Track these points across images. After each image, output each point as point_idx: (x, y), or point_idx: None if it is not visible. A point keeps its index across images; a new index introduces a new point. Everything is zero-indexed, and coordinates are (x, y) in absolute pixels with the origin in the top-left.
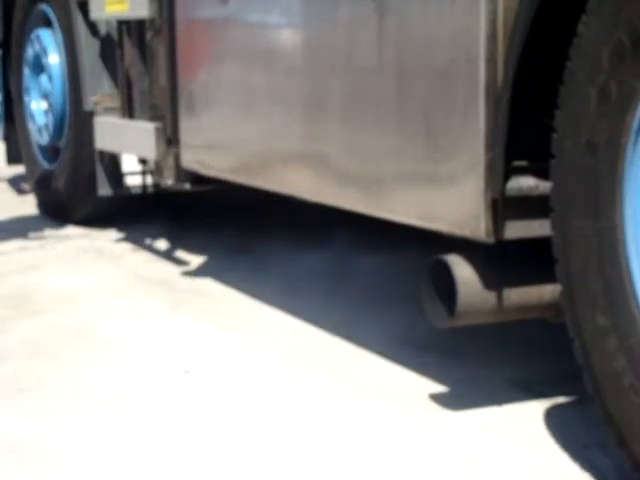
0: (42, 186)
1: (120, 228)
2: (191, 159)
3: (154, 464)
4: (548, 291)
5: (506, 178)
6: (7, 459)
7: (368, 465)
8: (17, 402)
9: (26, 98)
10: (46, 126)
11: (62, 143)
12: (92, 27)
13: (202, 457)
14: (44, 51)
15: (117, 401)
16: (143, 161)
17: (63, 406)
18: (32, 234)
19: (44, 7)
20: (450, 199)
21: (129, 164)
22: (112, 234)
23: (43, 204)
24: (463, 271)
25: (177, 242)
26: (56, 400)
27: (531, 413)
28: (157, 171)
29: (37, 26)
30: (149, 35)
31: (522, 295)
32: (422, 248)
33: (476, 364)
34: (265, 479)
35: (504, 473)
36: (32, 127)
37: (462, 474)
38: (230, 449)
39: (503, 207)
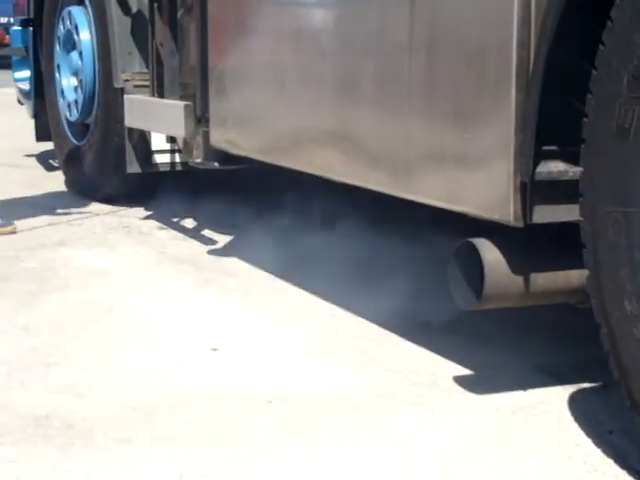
0: (71, 163)
1: (148, 206)
2: (220, 138)
3: (177, 441)
4: (575, 276)
5: (536, 162)
6: (34, 433)
7: (395, 446)
8: (44, 377)
9: (57, 75)
10: (76, 103)
11: (91, 120)
12: (123, 4)
13: (226, 435)
14: (75, 28)
15: (143, 377)
16: (172, 139)
17: (90, 381)
18: (60, 210)
19: None
20: (479, 182)
21: (158, 142)
22: (140, 212)
23: (71, 181)
24: (491, 254)
25: (204, 220)
26: (83, 375)
27: (556, 398)
28: (186, 149)
29: (69, 3)
30: (180, 13)
31: (549, 280)
32: (450, 231)
33: (502, 348)
34: (290, 459)
35: (529, 457)
36: (62, 104)
37: (487, 457)
38: (255, 428)
39: (532, 191)
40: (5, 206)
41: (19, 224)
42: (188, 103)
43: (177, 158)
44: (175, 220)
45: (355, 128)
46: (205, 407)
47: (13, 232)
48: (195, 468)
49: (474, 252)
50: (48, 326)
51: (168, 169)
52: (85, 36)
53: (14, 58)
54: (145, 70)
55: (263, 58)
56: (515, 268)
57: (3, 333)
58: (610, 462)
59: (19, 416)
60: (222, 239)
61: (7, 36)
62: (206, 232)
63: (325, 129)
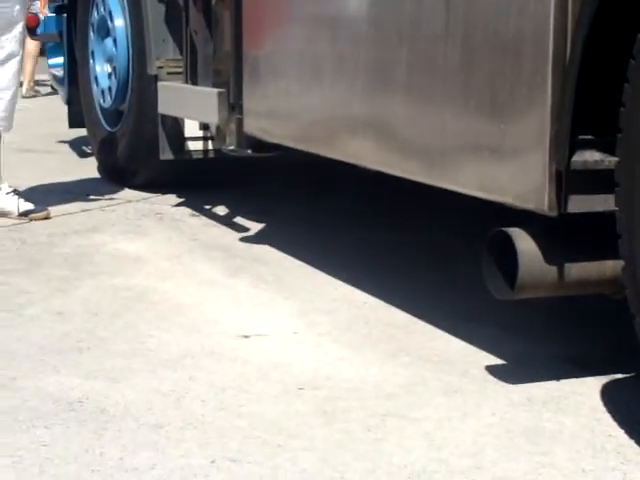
0: (104, 149)
1: (180, 193)
2: (253, 125)
3: (209, 427)
4: (609, 267)
5: (571, 151)
6: (67, 417)
7: (426, 435)
8: (77, 362)
9: (90, 62)
10: (109, 89)
11: (125, 106)
12: None
13: (258, 422)
14: (109, 15)
15: (175, 363)
16: (205, 126)
17: (122, 366)
18: (93, 197)
19: None
20: (514, 171)
21: (191, 129)
22: (172, 198)
23: (104, 167)
24: (525, 244)
25: (236, 208)
26: (115, 360)
27: (589, 389)
28: (219, 137)
29: None
30: (214, 0)
31: (583, 270)
32: (481, 221)
33: (534, 338)
34: (321, 446)
35: (560, 447)
36: (96, 90)
37: (518, 446)
38: (286, 415)
39: (567, 180)
40: (39, 192)
41: (53, 210)
42: (221, 90)
43: (210, 145)
44: (207, 207)
45: (390, 117)
46: (236, 394)
47: (47, 217)
48: (226, 454)
49: (508, 242)
50: (81, 311)
51: (201, 156)
52: (119, 23)
53: (48, 45)
54: (179, 57)
55: (297, 45)
56: (549, 258)
57: (37, 318)
58: None
59: (53, 400)
60: (254, 226)
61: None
62: (238, 219)
63: (359, 117)
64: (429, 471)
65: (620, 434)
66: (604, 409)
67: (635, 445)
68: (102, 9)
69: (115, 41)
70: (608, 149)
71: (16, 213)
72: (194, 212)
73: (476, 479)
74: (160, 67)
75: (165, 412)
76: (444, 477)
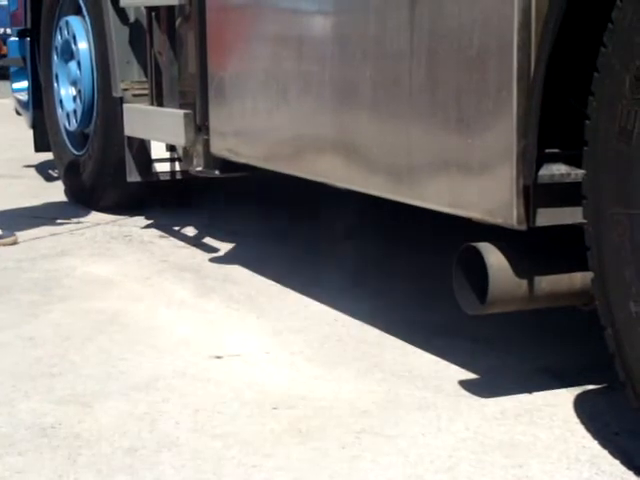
0: (70, 172)
1: (148, 214)
2: (221, 146)
3: (183, 448)
4: (579, 279)
5: (538, 165)
6: (40, 443)
7: (401, 451)
8: (49, 387)
9: (55, 85)
10: (75, 113)
11: (91, 130)
12: (121, 14)
13: (232, 443)
14: (73, 38)
15: (148, 385)
16: (172, 148)
17: (95, 390)
18: (61, 220)
19: None
20: (482, 186)
21: (158, 151)
22: (140, 220)
23: (71, 190)
24: (495, 258)
25: (205, 228)
26: (88, 384)
27: (562, 400)
28: (186, 158)
29: (66, 13)
30: (179, 22)
31: (553, 283)
32: (452, 235)
33: (506, 351)
34: (297, 465)
35: (535, 459)
36: (61, 114)
37: (493, 460)
38: (261, 435)
39: (535, 194)
40: (6, 217)
41: (20, 235)
42: (188, 111)
43: (177, 167)
44: (176, 228)
45: (357, 134)
46: (210, 415)
47: (15, 243)
48: (201, 476)
49: (478, 256)
50: (53, 336)
51: (168, 178)
52: (83, 46)
53: (12, 69)
54: (144, 79)
55: (263, 65)
56: (519, 272)
57: (8, 344)
58: (617, 463)
59: (25, 426)
60: (224, 246)
61: (4, 47)
62: (207, 240)
63: (326, 135)
64: None
65: (594, 445)
66: (577, 420)
67: (609, 455)
68: (66, 32)
69: (79, 64)
70: (575, 162)
71: None
72: (163, 233)
73: None
74: (125, 89)
75: (139, 435)
76: None
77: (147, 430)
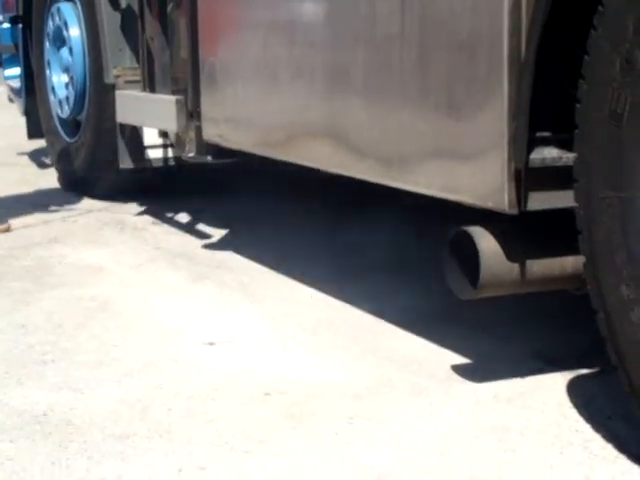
0: (63, 160)
1: (141, 201)
2: (212, 132)
3: (175, 435)
4: (570, 262)
5: (529, 149)
6: (32, 430)
7: (394, 436)
8: (41, 374)
9: (47, 72)
10: (67, 100)
11: (83, 117)
12: (113, 0)
13: (224, 429)
14: (65, 24)
15: (140, 372)
16: (164, 134)
17: (87, 377)
18: (53, 207)
19: None
20: (473, 170)
21: (150, 137)
22: (133, 207)
23: (64, 178)
24: (486, 243)
25: (198, 215)
26: (80, 371)
27: (555, 385)
28: (178, 144)
29: (58, 0)
30: (170, 7)
31: (545, 266)
32: (445, 220)
33: (499, 336)
34: (289, 451)
35: (528, 443)
36: (53, 101)
37: (486, 444)
38: (253, 420)
39: (526, 178)
40: None
41: (13, 222)
42: (179, 97)
43: (170, 153)
44: (169, 215)
45: (348, 119)
46: (203, 401)
47: (8, 230)
48: (194, 462)
49: (470, 241)
50: (45, 323)
51: (161, 164)
52: (75, 32)
53: (4, 56)
54: (136, 65)
55: (254, 51)
56: (511, 256)
57: (0, 332)
58: (609, 447)
59: (17, 413)
60: (216, 233)
61: None
62: (200, 226)
63: (318, 121)
64: (397, 472)
65: (586, 429)
66: (570, 404)
67: (601, 439)
68: (57, 19)
69: (71, 51)
70: (566, 146)
71: None
72: (156, 220)
73: (444, 478)
74: (117, 76)
75: (131, 422)
76: (412, 477)
77: (139, 417)
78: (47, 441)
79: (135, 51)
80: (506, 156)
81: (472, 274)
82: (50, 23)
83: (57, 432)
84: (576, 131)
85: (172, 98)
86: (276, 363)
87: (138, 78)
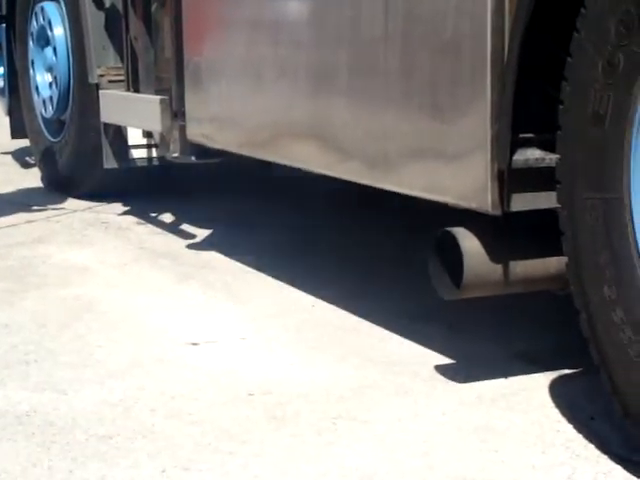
0: (47, 159)
1: (125, 201)
2: (197, 132)
3: (158, 436)
4: (554, 263)
5: (512, 150)
6: (14, 431)
7: (378, 436)
8: (24, 374)
9: (31, 71)
10: (51, 99)
11: (67, 116)
12: None
13: (208, 430)
14: (49, 24)
15: (124, 372)
16: (149, 134)
17: (70, 377)
18: (37, 207)
19: None
20: (456, 171)
21: (135, 137)
22: (117, 207)
23: (48, 177)
24: (470, 243)
25: (183, 215)
26: (63, 372)
27: (537, 385)
28: (163, 144)
29: None
30: (154, 7)
31: (528, 267)
32: (429, 220)
33: (482, 337)
34: (272, 451)
35: (511, 444)
36: (37, 100)
37: (469, 445)
38: (237, 421)
39: (509, 179)
40: None
41: None
42: (164, 97)
43: (154, 153)
44: (153, 215)
45: (332, 120)
46: (186, 401)
47: None
48: (177, 463)
49: (453, 241)
50: (28, 323)
51: (145, 164)
52: (59, 32)
53: None
54: (120, 65)
55: (239, 51)
56: (494, 256)
57: None
58: (591, 447)
59: None
60: (201, 233)
61: None
62: (185, 226)
63: (302, 121)
64: (381, 472)
65: (569, 429)
66: (552, 405)
67: (584, 439)
68: (41, 18)
69: (55, 50)
70: (549, 147)
71: None
72: (140, 220)
73: (428, 478)
74: (101, 75)
75: (114, 422)
76: (396, 478)
77: (122, 417)
78: (29, 442)
79: (119, 51)
80: (489, 157)
81: (456, 275)
82: (34, 23)
83: (40, 433)
84: (559, 132)
85: (156, 98)
86: (260, 364)
87: (122, 78)
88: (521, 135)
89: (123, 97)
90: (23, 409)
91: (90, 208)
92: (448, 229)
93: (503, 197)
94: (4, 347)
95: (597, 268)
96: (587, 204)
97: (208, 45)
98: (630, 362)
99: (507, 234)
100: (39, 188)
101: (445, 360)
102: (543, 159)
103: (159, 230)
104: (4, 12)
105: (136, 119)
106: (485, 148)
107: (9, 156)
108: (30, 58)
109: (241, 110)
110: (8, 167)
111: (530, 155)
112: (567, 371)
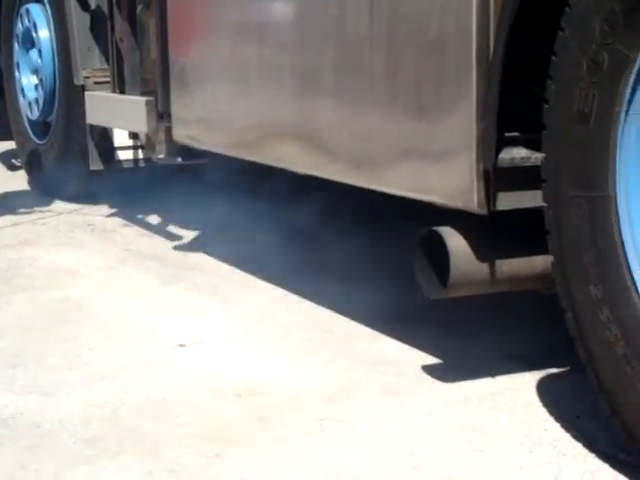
0: (33, 161)
1: (111, 203)
2: (183, 133)
3: (145, 438)
4: (540, 262)
5: (498, 149)
6: (1, 434)
7: (364, 437)
8: (10, 377)
9: (16, 73)
10: (36, 101)
11: (53, 118)
12: (82, 1)
13: (195, 432)
14: (34, 26)
15: (111, 375)
16: (135, 135)
17: (57, 380)
18: (23, 209)
19: None
20: (442, 171)
21: (120, 138)
22: (103, 209)
23: (34, 179)
24: (456, 242)
25: (169, 216)
26: (50, 374)
27: (524, 384)
28: (149, 145)
29: (27, 1)
30: (140, 8)
31: (514, 266)
32: (416, 220)
33: (469, 336)
34: (259, 453)
35: (497, 443)
36: (23, 102)
37: (455, 444)
38: (223, 423)
39: (495, 178)
40: None
41: None
42: (149, 99)
43: (140, 154)
44: (139, 217)
45: (318, 120)
46: (173, 404)
47: None
48: (163, 465)
49: (439, 241)
50: (15, 326)
51: (131, 165)
52: (44, 34)
53: None
54: (105, 66)
55: (224, 52)
56: (480, 256)
57: None
58: (579, 446)
59: None
60: (187, 235)
61: None
62: (171, 228)
63: (288, 122)
64: (367, 473)
65: (556, 428)
66: (539, 404)
67: (571, 439)
68: (26, 20)
69: (40, 52)
70: (534, 146)
71: None
72: (126, 222)
73: (414, 479)
74: (87, 77)
75: (101, 425)
76: (382, 478)
77: (109, 420)
78: (16, 445)
79: (104, 52)
80: (475, 156)
81: (442, 274)
82: (19, 25)
83: (26, 436)
84: (544, 131)
85: (142, 99)
86: (247, 365)
87: (108, 79)
88: (506, 134)
89: (109, 99)
90: (9, 412)
91: (76, 210)
92: (434, 228)
93: (489, 196)
94: None
95: (583, 267)
96: (572, 202)
97: (194, 46)
98: (616, 360)
99: (493, 233)
100: (25, 190)
101: (432, 360)
102: (529, 158)
103: (145, 232)
104: None
105: (122, 120)
106: (471, 147)
107: None
108: (15, 60)
109: (227, 111)
110: None
111: (516, 154)
112: (554, 370)
